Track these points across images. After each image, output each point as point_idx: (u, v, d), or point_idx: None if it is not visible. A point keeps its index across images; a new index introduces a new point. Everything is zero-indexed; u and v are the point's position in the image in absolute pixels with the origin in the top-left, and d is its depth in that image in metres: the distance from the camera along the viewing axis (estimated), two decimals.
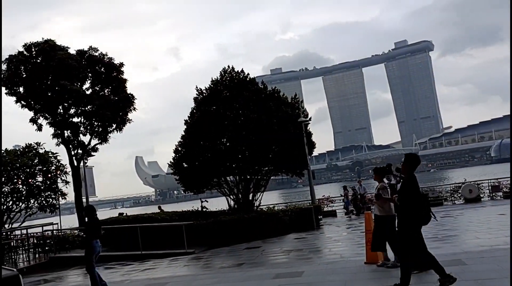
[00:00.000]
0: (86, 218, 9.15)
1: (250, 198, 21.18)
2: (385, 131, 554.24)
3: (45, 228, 17.74)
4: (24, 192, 24.60)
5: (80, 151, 20.88)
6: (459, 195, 23.81)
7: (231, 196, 21.43)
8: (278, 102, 20.55)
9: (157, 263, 12.96)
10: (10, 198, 24.46)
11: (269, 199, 35.45)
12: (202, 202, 19.43)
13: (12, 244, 16.57)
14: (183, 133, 21.47)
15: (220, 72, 21.43)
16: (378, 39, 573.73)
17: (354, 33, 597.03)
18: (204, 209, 19.17)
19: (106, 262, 14.18)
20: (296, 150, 20.32)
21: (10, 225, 24.18)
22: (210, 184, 21.92)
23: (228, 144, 20.78)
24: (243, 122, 20.09)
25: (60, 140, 20.30)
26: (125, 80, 21.25)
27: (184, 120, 21.61)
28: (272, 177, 22.96)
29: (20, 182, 24.26)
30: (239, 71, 21.33)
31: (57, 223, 19.15)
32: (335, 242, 13.45)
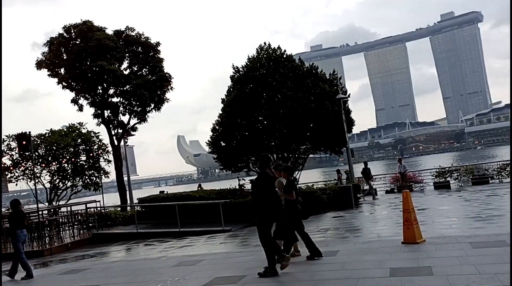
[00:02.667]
0: (11, 210, 9.94)
1: None
2: (430, 108, 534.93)
3: (88, 205, 18.42)
4: (69, 171, 25.75)
5: (120, 131, 21.40)
6: (507, 173, 22.55)
7: None
8: (316, 79, 20.06)
9: (194, 240, 13.16)
10: (56, 176, 25.69)
11: (309, 177, 35.29)
12: (239, 180, 19.49)
13: (59, 221, 17.37)
14: (220, 112, 21.52)
15: (257, 49, 21.15)
16: (423, 11, 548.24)
17: (398, 6, 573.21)
18: (242, 188, 19.23)
19: (146, 239, 14.60)
20: (334, 128, 19.88)
21: (58, 202, 25.44)
22: (247, 163, 22.00)
23: (265, 122, 20.65)
24: (279, 99, 19.83)
25: (100, 120, 20.88)
26: (161, 60, 21.38)
27: (221, 98, 21.65)
28: (312, 156, 22.70)
29: (65, 161, 25.36)
30: (276, 47, 20.93)
31: (99, 201, 19.88)
32: (373, 221, 13.11)
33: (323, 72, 21.22)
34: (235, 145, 20.88)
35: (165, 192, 24.62)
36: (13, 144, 25.24)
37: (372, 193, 21.28)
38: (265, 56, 20.79)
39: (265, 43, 21.02)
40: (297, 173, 21.17)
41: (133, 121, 21.97)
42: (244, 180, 19.69)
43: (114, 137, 21.55)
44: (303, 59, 21.61)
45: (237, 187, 18.84)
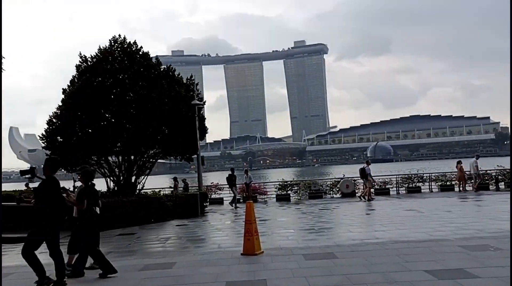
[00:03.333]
0: None
1: (133, 180, 19.77)
2: (279, 125, 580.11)
3: None
4: None
5: None
6: (337, 189, 25.11)
7: (112, 178, 19.78)
8: (172, 81, 19.37)
9: (9, 249, 11.13)
10: None
11: (158, 183, 33.99)
12: (74, 181, 17.43)
13: None
14: (60, 104, 19.13)
15: (110, 40, 19.47)
16: (280, 36, 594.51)
17: (259, 26, 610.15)
18: (75, 189, 17.22)
19: None
20: (187, 134, 19.42)
21: None
22: (88, 163, 19.94)
23: (113, 120, 19.05)
24: (131, 98, 18.55)
25: None
26: None
27: (63, 89, 19.30)
28: (163, 161, 21.82)
29: None
30: (131, 42, 19.61)
31: None
32: (216, 230, 12.96)
33: (180, 76, 20.66)
34: (74, 142, 18.74)
35: None
36: None
37: (234, 201, 21.47)
38: (118, 49, 19.28)
39: (119, 35, 19.51)
40: (143, 178, 20.05)
41: None
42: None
43: None
44: (162, 62, 20.68)
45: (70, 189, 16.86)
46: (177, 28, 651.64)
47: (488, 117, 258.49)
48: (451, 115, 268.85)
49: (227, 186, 27.61)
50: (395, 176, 25.90)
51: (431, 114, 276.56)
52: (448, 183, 24.56)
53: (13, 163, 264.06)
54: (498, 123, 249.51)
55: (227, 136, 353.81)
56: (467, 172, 23.64)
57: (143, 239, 12.01)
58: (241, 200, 24.48)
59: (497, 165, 24.58)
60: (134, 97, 18.40)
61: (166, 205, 17.48)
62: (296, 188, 25.42)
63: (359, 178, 26.73)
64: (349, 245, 8.59)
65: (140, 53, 19.52)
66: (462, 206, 16.00)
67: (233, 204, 21.04)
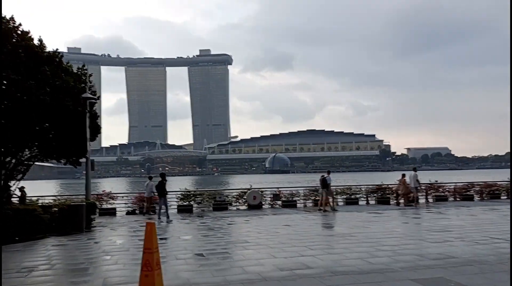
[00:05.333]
0: None
1: (2, 186, 15.95)
2: (180, 133, 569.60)
3: None
4: None
5: None
6: (243, 200, 23.59)
7: None
8: (57, 68, 16.05)
9: None
10: None
11: (41, 189, 29.21)
12: None
13: None
14: None
15: None
16: (186, 43, 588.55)
17: (164, 32, 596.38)
18: None
19: None
20: (74, 132, 16.22)
21: None
22: None
23: None
24: (5, 85, 14.90)
25: None
26: None
27: None
28: (51, 165, 18.16)
29: None
30: (9, 18, 15.90)
31: None
32: (103, 254, 10.27)
33: (70, 64, 17.39)
34: None
35: None
36: None
37: (167, 213, 18.05)
38: None
39: None
40: (14, 183, 16.33)
41: None
42: None
43: None
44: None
45: None
46: (76, 23, 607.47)
47: (374, 135, 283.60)
48: (343, 131, 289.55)
49: (122, 194, 24.48)
50: (303, 189, 25.22)
51: (325, 129, 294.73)
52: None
53: None
54: (382, 141, 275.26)
55: (125, 141, 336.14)
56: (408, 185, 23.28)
57: None
58: (136, 212, 21.64)
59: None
60: (6, 84, 14.80)
61: (41, 218, 14.13)
62: (199, 198, 23.31)
63: (265, 189, 25.63)
64: (278, 278, 6.80)
65: (19, 31, 15.91)
66: (383, 222, 15.34)
67: (166, 218, 17.64)
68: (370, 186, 25.86)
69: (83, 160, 18.27)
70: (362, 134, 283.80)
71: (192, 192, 24.46)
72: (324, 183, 20.48)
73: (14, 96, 13.97)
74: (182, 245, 11.05)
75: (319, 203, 20.81)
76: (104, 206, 21.76)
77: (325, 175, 21.06)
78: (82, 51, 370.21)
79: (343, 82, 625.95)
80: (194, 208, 22.22)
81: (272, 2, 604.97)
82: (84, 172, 19.38)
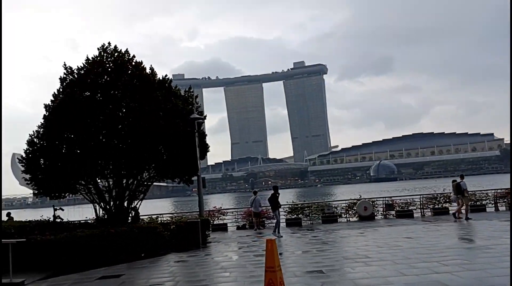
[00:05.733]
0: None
1: (126, 206, 17.31)
2: (280, 146, 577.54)
3: None
4: None
5: None
6: (353, 212, 22.57)
7: (101, 204, 17.32)
8: (168, 93, 17.09)
9: None
10: None
11: (157, 207, 31.42)
12: (55, 210, 15.05)
13: None
14: (42, 121, 16.83)
15: (98, 49, 17.29)
16: (280, 57, 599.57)
17: (257, 49, 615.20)
18: (57, 219, 14.80)
19: None
20: (185, 152, 17.02)
21: None
22: (74, 188, 17.53)
23: (103, 139, 16.72)
24: (122, 113, 16.28)
25: None
26: None
27: (44, 104, 16.98)
28: (164, 184, 19.41)
29: None
30: (124, 51, 17.43)
31: None
32: (222, 270, 10.36)
33: (178, 88, 18.43)
34: (60, 165, 16.35)
35: None
36: None
37: (278, 227, 17.93)
38: (109, 59, 17.09)
39: (109, 43, 17.30)
40: (137, 203, 17.59)
41: None
42: (62, 210, 15.34)
43: None
44: None
45: (50, 218, 14.47)
46: (178, 53, 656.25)
47: (492, 134, 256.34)
48: (455, 132, 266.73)
49: (231, 210, 25.10)
50: (419, 196, 23.33)
51: (434, 132, 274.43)
52: (478, 203, 22.07)
53: (16, 190, 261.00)
54: (502, 139, 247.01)
55: (228, 158, 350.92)
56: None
57: (130, 283, 9.45)
58: (246, 226, 21.92)
59: None
60: (125, 112, 16.14)
61: (162, 235, 14.93)
62: (307, 211, 22.85)
63: (376, 199, 24.25)
64: None
65: (133, 63, 17.34)
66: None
67: (276, 232, 17.55)
68: (498, 190, 23.01)
69: (194, 178, 19.09)
70: (477, 134, 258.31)
71: (299, 205, 24.14)
72: (459, 189, 18.63)
73: (136, 123, 15.09)
74: (298, 261, 10.69)
75: (457, 211, 18.88)
76: (216, 222, 22.42)
77: (458, 180, 19.14)
78: (186, 77, 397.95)
79: (451, 80, 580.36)
80: (302, 221, 21.82)
81: (363, 6, 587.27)
82: (194, 189, 20.20)
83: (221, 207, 25.52)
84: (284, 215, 22.10)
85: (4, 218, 20.21)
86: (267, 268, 5.85)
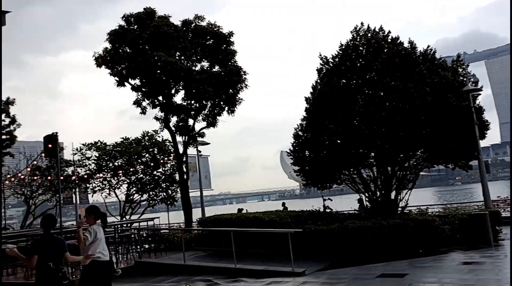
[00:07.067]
0: None
1: (393, 197, 15.99)
2: None
3: (144, 224, 15.52)
4: (146, 183, 23.68)
5: (186, 138, 18.18)
6: None
7: (366, 194, 16.57)
8: (432, 65, 14.80)
9: None
10: (133, 188, 23.79)
11: (418, 198, 28.85)
12: (324, 200, 15.06)
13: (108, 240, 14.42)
14: (304, 114, 17.32)
15: (351, 32, 16.56)
16: None
17: None
18: (327, 210, 14.76)
19: (192, 275, 10.93)
20: (459, 131, 14.36)
21: (130, 216, 23.42)
22: (339, 178, 17.40)
23: (363, 126, 15.94)
24: (380, 95, 15.03)
25: (163, 124, 17.96)
26: (234, 52, 17.80)
27: (305, 97, 17.42)
28: (424, 173, 17.21)
29: (141, 172, 23.36)
30: (378, 28, 16.15)
31: (158, 217, 16.97)
32: None
33: (443, 59, 15.81)
34: (324, 156, 16.44)
35: (244, 210, 21.19)
36: (89, 153, 23.96)
37: None
38: (362, 41, 16.12)
39: (362, 23, 16.29)
40: (406, 193, 15.96)
41: (199, 125, 18.71)
42: (331, 200, 15.21)
43: (179, 144, 18.49)
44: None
45: (320, 208, 14.51)
46: (427, 32, 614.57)
47: None
48: None
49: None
50: None
51: None
52: None
53: (286, 182, 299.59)
54: None
55: (497, 140, 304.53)
56: None
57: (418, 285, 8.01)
58: None
59: None
60: (384, 94, 14.82)
61: (441, 230, 12.85)
62: None
63: None
64: None
65: (389, 39, 15.84)
66: None
67: None
68: None
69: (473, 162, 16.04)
70: None
71: None
72: None
73: (396, 105, 13.62)
74: None
75: None
76: (503, 214, 18.47)
77: None
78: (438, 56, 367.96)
79: None
80: None
81: None
82: (458, 177, 17.03)
83: (506, 197, 21.12)
84: None
85: (280, 207, 22.00)
86: None
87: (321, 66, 17.23)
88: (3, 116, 28.78)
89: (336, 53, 16.84)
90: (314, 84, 17.21)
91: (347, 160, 16.00)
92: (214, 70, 17.75)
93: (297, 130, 17.53)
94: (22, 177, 24.63)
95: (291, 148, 17.65)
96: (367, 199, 16.37)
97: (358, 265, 10.53)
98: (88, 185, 24.51)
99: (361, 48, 16.20)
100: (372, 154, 16.21)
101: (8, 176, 24.47)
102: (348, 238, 11.46)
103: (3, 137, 28.26)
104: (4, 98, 29.19)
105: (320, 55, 17.32)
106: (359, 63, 16.04)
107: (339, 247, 11.44)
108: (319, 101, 16.14)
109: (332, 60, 16.91)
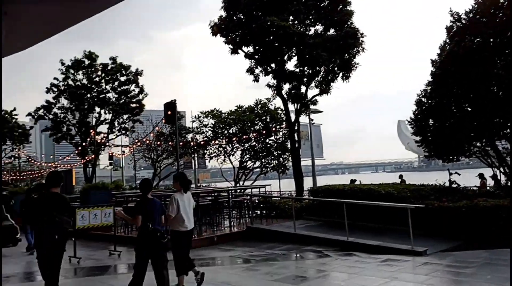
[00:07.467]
0: None
1: None
2: None
3: (256, 191, 15.75)
4: (259, 150, 24.11)
5: (298, 105, 17.72)
6: None
7: (502, 169, 14.57)
8: None
9: (364, 262, 8.55)
10: (247, 155, 24.43)
11: None
12: (450, 174, 13.52)
13: (223, 205, 14.95)
14: (429, 79, 15.62)
15: None
16: None
17: None
18: (453, 185, 13.25)
19: (302, 245, 10.71)
20: None
21: (243, 182, 24.15)
22: (468, 150, 15.57)
23: (500, 92, 13.86)
24: None
25: (275, 91, 17.70)
26: (350, 12, 16.52)
27: (431, 59, 15.65)
28: None
29: (254, 139, 23.80)
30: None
31: (269, 185, 17.06)
32: None
33: None
34: (450, 125, 14.76)
35: (357, 182, 20.35)
36: (206, 121, 25.02)
37: None
38: None
39: None
40: None
41: (311, 92, 18.02)
42: (459, 174, 13.60)
43: (290, 112, 18.12)
44: None
45: (444, 183, 13.03)
46: None
47: None
48: None
49: None
50: None
51: None
52: None
53: (403, 154, 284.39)
54: None
55: None
56: None
57: None
58: None
59: None
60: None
61: None
62: None
63: None
64: None
65: None
66: None
67: None
68: None
69: None
70: None
71: None
72: None
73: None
74: None
75: None
76: None
77: None
78: None
79: None
80: None
81: None
82: None
83: None
84: None
85: (397, 180, 20.64)
86: None
87: (451, 23, 15.27)
88: (133, 86, 31.66)
89: (471, 7, 14.71)
90: (443, 44, 15.36)
91: (479, 130, 14.16)
92: (328, 33, 16.82)
93: (420, 96, 15.99)
94: (148, 142, 26.92)
95: (413, 117, 16.20)
96: (502, 174, 14.39)
97: (488, 249, 9.23)
98: (205, 151, 25.88)
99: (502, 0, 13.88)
100: (510, 123, 14.09)
101: (136, 141, 26.98)
102: (478, 217, 10.09)
103: (133, 105, 31.13)
104: (133, 69, 31.93)
105: (451, 10, 15.31)
106: (499, 19, 13.79)
107: (466, 227, 10.17)
108: (448, 64, 14.36)
109: (465, 16, 14.86)
